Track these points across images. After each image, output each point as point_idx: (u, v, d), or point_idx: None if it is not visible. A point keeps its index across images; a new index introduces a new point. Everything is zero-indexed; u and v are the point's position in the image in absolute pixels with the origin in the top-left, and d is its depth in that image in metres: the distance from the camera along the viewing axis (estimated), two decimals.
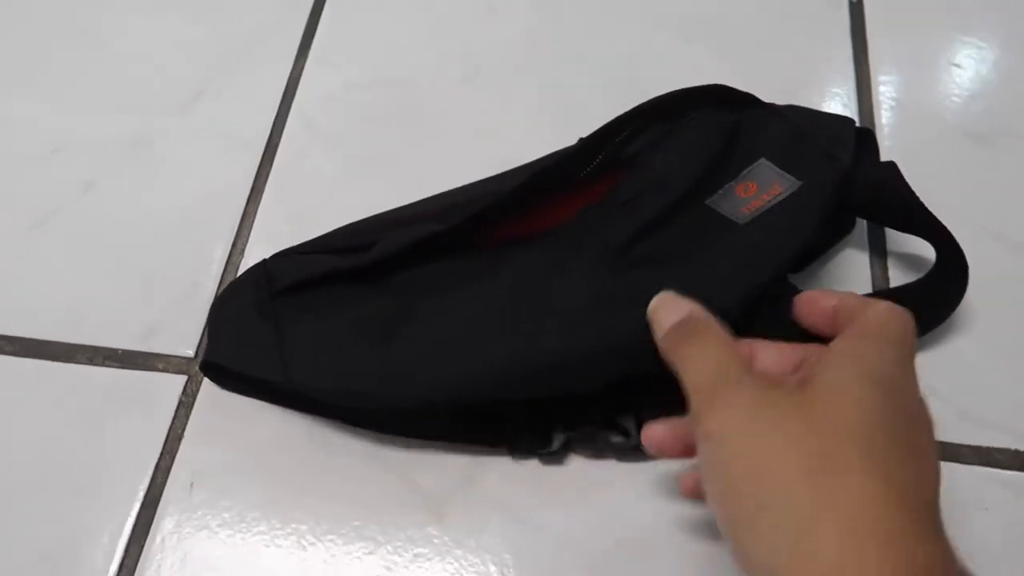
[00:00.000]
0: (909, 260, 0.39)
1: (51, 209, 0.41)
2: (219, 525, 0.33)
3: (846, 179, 0.34)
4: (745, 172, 0.34)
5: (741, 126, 0.35)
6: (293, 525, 0.33)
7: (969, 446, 0.34)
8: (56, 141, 0.43)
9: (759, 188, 0.34)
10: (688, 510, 0.33)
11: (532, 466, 0.34)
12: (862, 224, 0.40)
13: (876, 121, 0.43)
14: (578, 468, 0.34)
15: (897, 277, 0.38)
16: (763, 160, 0.34)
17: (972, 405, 0.35)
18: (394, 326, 0.34)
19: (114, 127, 0.44)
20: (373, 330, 0.34)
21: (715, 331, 0.27)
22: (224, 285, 0.39)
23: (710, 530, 0.33)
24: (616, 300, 0.32)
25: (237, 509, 0.34)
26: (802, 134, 0.35)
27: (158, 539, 0.33)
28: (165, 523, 0.33)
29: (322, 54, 0.46)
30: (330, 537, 0.33)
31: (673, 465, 0.34)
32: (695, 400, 0.26)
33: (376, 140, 0.43)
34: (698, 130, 0.35)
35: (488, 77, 0.45)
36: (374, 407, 0.34)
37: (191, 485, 0.34)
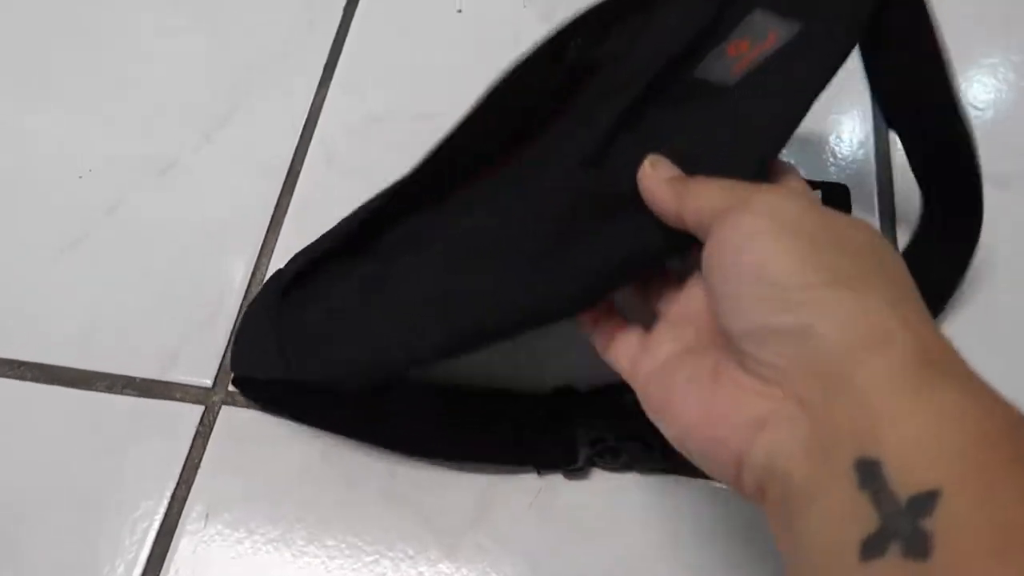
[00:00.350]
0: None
1: (77, 236, 0.42)
2: (233, 558, 0.34)
3: (870, 15, 0.28)
4: (736, 30, 0.29)
5: None
6: (306, 559, 0.33)
7: None
8: (82, 166, 0.44)
9: (752, 43, 0.29)
10: (713, 551, 0.33)
11: (545, 500, 0.34)
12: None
13: (892, 161, 0.43)
14: (592, 505, 0.34)
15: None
16: (756, 11, 0.29)
17: None
18: (371, 290, 0.31)
19: (139, 152, 0.44)
20: (355, 298, 0.32)
21: (713, 178, 0.25)
22: (243, 313, 0.39)
23: (738, 569, 0.33)
24: (602, 199, 0.28)
25: (251, 541, 0.34)
26: None
27: (172, 570, 0.33)
28: (180, 554, 0.34)
29: (345, 82, 0.47)
30: (342, 573, 0.33)
31: (691, 504, 0.34)
32: (710, 221, 0.24)
33: (398, 172, 0.43)
34: (682, 7, 0.30)
35: None
36: (363, 380, 0.31)
37: (206, 516, 0.34)
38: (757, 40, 0.29)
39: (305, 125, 0.45)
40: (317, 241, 0.36)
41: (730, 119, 0.28)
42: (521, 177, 0.30)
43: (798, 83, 0.27)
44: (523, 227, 0.28)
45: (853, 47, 0.28)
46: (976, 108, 0.45)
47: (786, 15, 0.29)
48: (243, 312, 0.39)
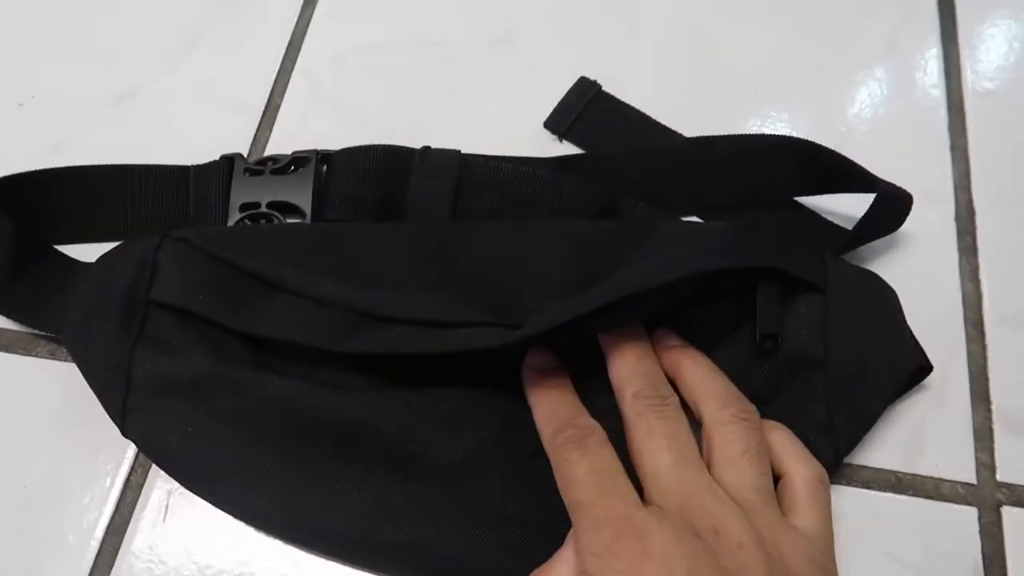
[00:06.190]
0: None
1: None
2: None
3: None
4: None
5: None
6: None
7: None
8: (22, 93, 0.38)
9: None
10: None
11: None
12: None
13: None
14: None
15: None
16: None
17: None
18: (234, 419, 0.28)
19: (92, 79, 0.38)
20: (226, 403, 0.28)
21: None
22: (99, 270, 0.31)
23: None
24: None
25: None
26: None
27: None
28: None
29: (332, 6, 0.41)
30: None
31: None
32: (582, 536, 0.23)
33: (392, 108, 0.38)
34: None
35: (524, 41, 0.39)
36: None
37: (166, 507, 0.29)
38: None
39: (286, 52, 0.39)
40: (215, 255, 0.30)
41: None
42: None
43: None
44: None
45: None
46: None
47: None
48: (104, 259, 0.30)
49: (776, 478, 0.26)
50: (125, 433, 0.28)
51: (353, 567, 0.28)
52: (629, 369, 0.27)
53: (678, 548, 0.22)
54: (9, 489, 0.30)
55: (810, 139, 0.32)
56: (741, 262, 0.27)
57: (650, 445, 0.25)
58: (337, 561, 0.28)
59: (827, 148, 0.32)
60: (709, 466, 0.25)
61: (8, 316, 0.32)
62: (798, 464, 0.25)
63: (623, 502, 0.23)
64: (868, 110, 0.37)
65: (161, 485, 0.30)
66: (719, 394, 0.26)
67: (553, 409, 0.26)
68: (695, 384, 0.27)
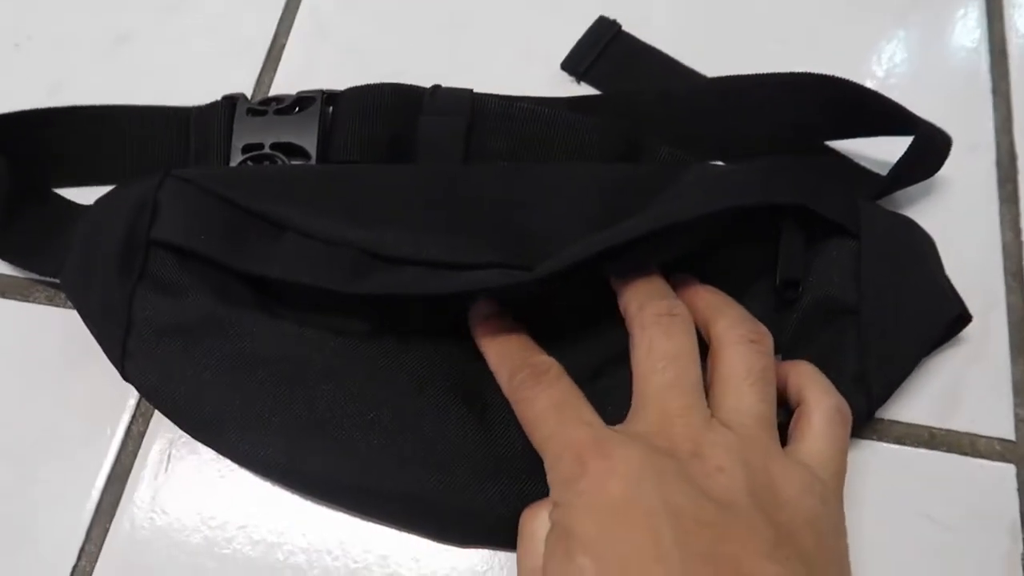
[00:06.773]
0: None
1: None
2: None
3: None
4: None
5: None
6: None
7: None
8: (18, 33, 0.36)
9: None
10: None
11: None
12: None
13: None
14: None
15: None
16: None
17: None
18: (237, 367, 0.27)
19: (90, 18, 0.37)
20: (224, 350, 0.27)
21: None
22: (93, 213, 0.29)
23: None
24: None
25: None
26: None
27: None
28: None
29: None
30: None
31: None
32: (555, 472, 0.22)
33: (401, 49, 0.36)
34: None
35: None
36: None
37: (168, 457, 0.28)
38: None
39: None
40: (216, 193, 0.28)
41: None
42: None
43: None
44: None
45: None
46: None
47: None
48: (101, 201, 0.29)
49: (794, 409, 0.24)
50: (125, 376, 0.27)
51: (359, 516, 0.27)
52: (636, 287, 0.25)
53: (646, 463, 0.21)
54: (8, 438, 0.29)
55: None
56: (769, 198, 0.25)
57: (647, 365, 0.23)
58: (342, 511, 0.27)
59: (862, 86, 0.30)
60: (710, 387, 0.23)
61: (5, 260, 0.31)
62: (817, 392, 0.24)
63: (584, 426, 0.22)
64: (905, 52, 0.35)
65: (163, 435, 0.29)
66: (731, 316, 0.25)
67: (505, 353, 0.25)
68: (708, 309, 0.25)
